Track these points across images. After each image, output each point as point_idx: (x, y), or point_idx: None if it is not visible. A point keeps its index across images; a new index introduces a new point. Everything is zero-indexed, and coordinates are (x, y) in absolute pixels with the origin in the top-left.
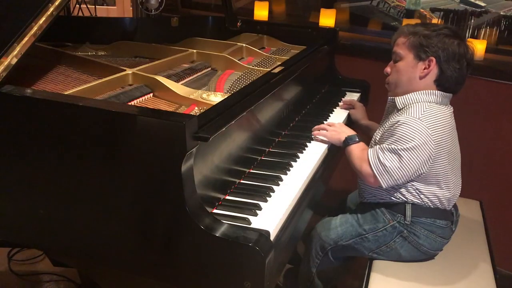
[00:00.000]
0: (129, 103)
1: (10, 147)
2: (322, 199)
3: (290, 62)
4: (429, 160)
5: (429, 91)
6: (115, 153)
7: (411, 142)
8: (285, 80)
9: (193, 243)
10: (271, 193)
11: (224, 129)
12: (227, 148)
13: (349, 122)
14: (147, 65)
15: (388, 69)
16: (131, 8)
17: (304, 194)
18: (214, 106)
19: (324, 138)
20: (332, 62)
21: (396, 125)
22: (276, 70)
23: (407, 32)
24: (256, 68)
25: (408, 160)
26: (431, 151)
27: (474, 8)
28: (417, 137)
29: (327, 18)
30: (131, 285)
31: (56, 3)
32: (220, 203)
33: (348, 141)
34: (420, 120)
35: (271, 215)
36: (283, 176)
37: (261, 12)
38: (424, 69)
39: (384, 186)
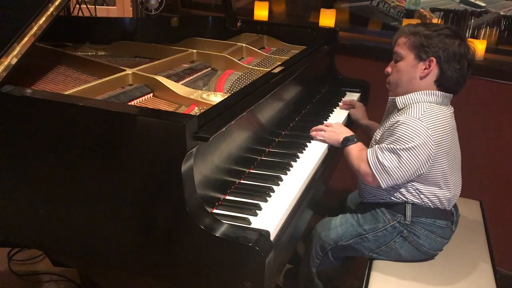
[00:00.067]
0: (129, 103)
1: (10, 147)
2: (322, 199)
3: (290, 62)
4: (428, 161)
5: (429, 91)
6: (115, 153)
7: (410, 143)
8: (285, 80)
9: (193, 243)
10: (271, 193)
11: (224, 129)
12: (227, 148)
13: (349, 122)
14: (147, 65)
15: (389, 69)
16: (131, 8)
17: (304, 194)
18: (214, 106)
19: (323, 139)
20: (332, 62)
21: (395, 125)
22: (276, 70)
23: (408, 32)
24: (256, 68)
25: (407, 160)
26: (430, 152)
27: (474, 8)
28: (417, 137)
29: (327, 18)
30: (131, 285)
31: (56, 3)
32: (220, 203)
33: (346, 142)
34: (420, 120)
35: (271, 215)
36: (283, 176)
37: (261, 12)
38: (425, 69)
39: (383, 186)
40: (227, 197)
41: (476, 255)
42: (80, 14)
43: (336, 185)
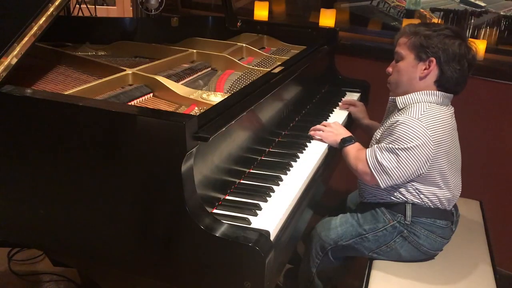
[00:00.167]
0: (129, 103)
1: (10, 147)
2: (322, 199)
3: (290, 62)
4: (428, 161)
5: (429, 91)
6: (115, 153)
7: (409, 143)
8: (285, 80)
9: (193, 243)
10: (271, 193)
11: (224, 129)
12: (227, 148)
13: (349, 122)
14: (147, 65)
15: (389, 69)
16: (131, 8)
17: (304, 194)
18: (214, 106)
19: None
20: (332, 62)
21: (395, 124)
22: (276, 70)
23: (409, 32)
24: (256, 68)
25: (406, 160)
26: (430, 152)
27: (474, 8)
28: (416, 138)
29: (327, 18)
30: (131, 285)
31: (56, 3)
32: (220, 203)
33: (343, 142)
34: (420, 120)
35: (271, 215)
36: (283, 176)
37: (261, 12)
38: (424, 69)
39: (382, 186)
40: (227, 197)
41: (476, 255)
42: (80, 14)
43: (336, 185)
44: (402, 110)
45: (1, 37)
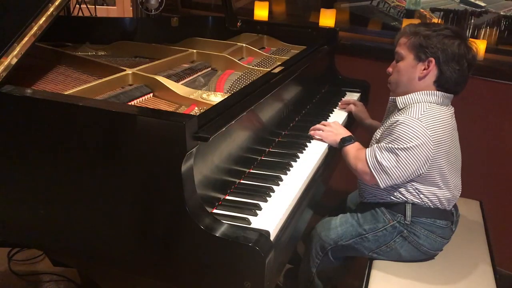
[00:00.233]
0: (129, 103)
1: (10, 147)
2: (322, 199)
3: (290, 62)
4: (427, 161)
5: (429, 91)
6: (115, 153)
7: (409, 142)
8: (285, 80)
9: (193, 243)
10: (271, 193)
11: (224, 129)
12: (227, 148)
13: (349, 122)
14: (147, 65)
15: (390, 69)
16: (131, 8)
17: (304, 194)
18: (214, 106)
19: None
20: (332, 62)
21: (395, 124)
22: (276, 70)
23: (409, 32)
24: (256, 68)
25: (406, 160)
26: (429, 152)
27: (474, 8)
28: (416, 138)
29: (327, 18)
30: (131, 285)
31: (56, 3)
32: (220, 203)
33: (343, 142)
34: (419, 120)
35: (271, 215)
36: (283, 176)
37: (261, 12)
38: (424, 69)
39: (382, 186)
40: (227, 197)
41: (476, 255)
42: (80, 14)
43: (336, 185)
44: (402, 110)
45: (1, 37)
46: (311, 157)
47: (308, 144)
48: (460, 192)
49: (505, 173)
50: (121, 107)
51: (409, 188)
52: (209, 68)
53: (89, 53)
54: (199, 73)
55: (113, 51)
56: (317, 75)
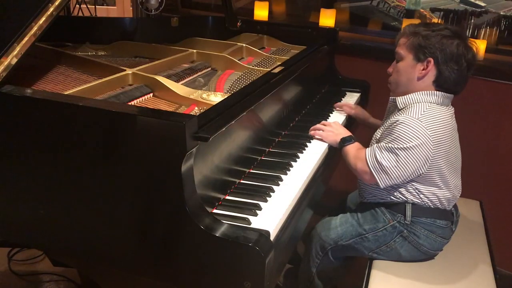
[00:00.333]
0: (129, 103)
1: (10, 147)
2: (322, 199)
3: (290, 62)
4: (427, 161)
5: (430, 91)
6: (115, 153)
7: (409, 142)
8: (285, 80)
9: (193, 243)
10: (271, 193)
11: (224, 129)
12: (227, 148)
13: (349, 122)
14: (147, 65)
15: (390, 69)
16: (131, 8)
17: (304, 194)
18: (214, 106)
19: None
20: (332, 62)
21: (395, 124)
22: (276, 70)
23: (408, 33)
24: (256, 68)
25: (405, 160)
26: (429, 152)
27: (474, 8)
28: (416, 137)
29: (327, 18)
30: (131, 285)
31: (56, 3)
32: (220, 203)
33: (343, 142)
34: (419, 120)
35: (271, 215)
36: (283, 176)
37: (261, 12)
38: (423, 69)
39: (382, 186)
40: (227, 197)
41: (476, 255)
42: (80, 14)
43: (336, 185)
44: (402, 110)
45: (1, 37)
46: (311, 157)
47: (308, 144)
48: (460, 192)
49: (505, 173)
50: (121, 107)
51: (409, 188)
52: (209, 68)
53: (89, 53)
54: (199, 73)
55: (113, 51)
56: (317, 75)
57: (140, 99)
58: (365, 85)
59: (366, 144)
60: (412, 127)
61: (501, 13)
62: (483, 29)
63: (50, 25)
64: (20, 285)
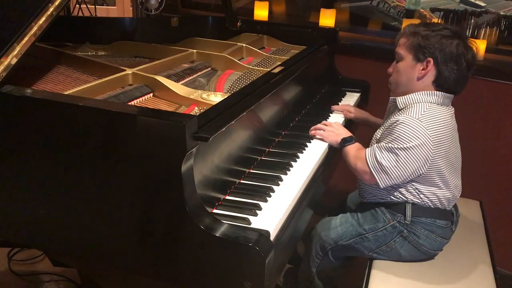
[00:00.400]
0: (129, 103)
1: (10, 147)
2: (322, 199)
3: (290, 62)
4: (427, 161)
5: (430, 91)
6: (115, 153)
7: (409, 142)
8: (285, 80)
9: (193, 243)
10: (271, 193)
11: (224, 129)
12: (227, 148)
13: (349, 122)
14: (147, 65)
15: (390, 69)
16: (131, 8)
17: (304, 194)
18: (214, 106)
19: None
20: (332, 62)
21: (395, 124)
22: (276, 70)
23: (408, 33)
24: (256, 68)
25: (405, 160)
26: (429, 152)
27: (474, 8)
28: (416, 138)
29: (327, 18)
30: (131, 285)
31: (56, 3)
32: (220, 203)
33: (344, 142)
34: (420, 120)
35: (271, 215)
36: (283, 176)
37: (261, 12)
38: (422, 70)
39: (381, 186)
40: (227, 197)
41: (476, 255)
42: (80, 14)
43: (336, 185)
44: (402, 110)
45: (1, 37)
46: (311, 157)
47: (308, 144)
48: (460, 192)
49: (505, 173)
50: (121, 107)
51: (409, 188)
52: (209, 68)
53: (89, 53)
54: (199, 73)
55: (113, 51)
56: (317, 75)
57: (140, 99)
58: (365, 85)
59: (366, 144)
60: (412, 127)
61: (501, 13)
62: (483, 29)
63: (50, 25)
64: (20, 285)
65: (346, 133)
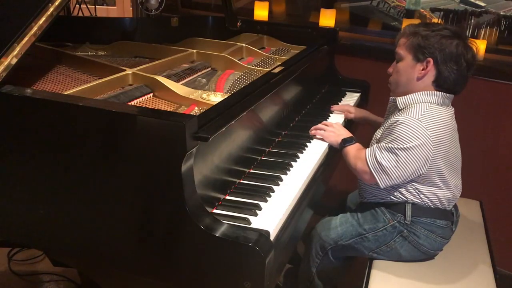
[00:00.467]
0: (129, 103)
1: (10, 147)
2: (322, 199)
3: (290, 62)
4: (427, 161)
5: (430, 91)
6: (115, 153)
7: (409, 143)
8: (285, 80)
9: (193, 243)
10: (271, 193)
11: (224, 129)
12: (227, 148)
13: (349, 123)
14: (147, 65)
15: (390, 70)
16: (131, 8)
17: (304, 194)
18: (214, 106)
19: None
20: (332, 62)
21: (395, 124)
22: (276, 70)
23: (408, 33)
24: (256, 68)
25: (405, 160)
26: (429, 152)
27: (474, 8)
28: (416, 138)
29: (327, 18)
30: (131, 285)
31: (56, 3)
32: (220, 203)
33: (344, 143)
34: (420, 120)
35: (271, 215)
36: (283, 176)
37: (261, 12)
38: (422, 70)
39: (382, 186)
40: (227, 197)
41: (476, 255)
42: (80, 14)
43: (336, 185)
44: (402, 110)
45: (1, 37)
46: (311, 157)
47: (308, 144)
48: (460, 192)
49: (505, 173)
50: (121, 107)
51: (409, 188)
52: (209, 68)
53: (89, 53)
54: (199, 73)
55: (113, 51)
56: (317, 75)
57: (140, 99)
58: (365, 85)
59: (366, 144)
60: (412, 127)
61: (501, 13)
62: (483, 29)
63: (50, 25)
64: (20, 285)
65: (347, 134)
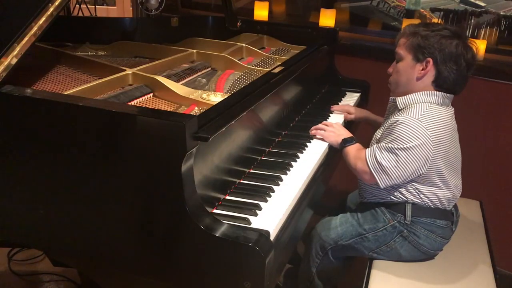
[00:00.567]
0: (129, 103)
1: (10, 147)
2: (322, 199)
3: (290, 62)
4: (427, 161)
5: (430, 91)
6: (115, 153)
7: (409, 142)
8: (285, 80)
9: (193, 243)
10: (271, 193)
11: (224, 129)
12: (227, 148)
13: (349, 123)
14: (147, 65)
15: (390, 70)
16: (131, 8)
17: (304, 194)
18: (214, 106)
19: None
20: (332, 62)
21: (395, 124)
22: (276, 70)
23: (408, 33)
24: (256, 68)
25: (405, 160)
26: (429, 152)
27: (474, 8)
28: (415, 138)
29: (327, 18)
30: (131, 285)
31: (56, 3)
32: (220, 203)
33: (344, 143)
34: (419, 120)
35: (271, 215)
36: (283, 176)
37: (261, 12)
38: (422, 70)
39: (382, 186)
40: (227, 197)
41: (476, 255)
42: (80, 14)
43: (336, 185)
44: (402, 110)
45: (1, 37)
46: (311, 157)
47: (308, 144)
48: (460, 192)
49: (505, 173)
50: (121, 107)
51: (409, 188)
52: (209, 68)
53: (89, 53)
54: (199, 73)
55: (113, 51)
56: (317, 75)
57: (140, 99)
58: (365, 85)
59: (366, 144)
60: (412, 127)
61: (501, 13)
62: (483, 29)
63: (50, 25)
64: (20, 285)
65: (347, 134)
